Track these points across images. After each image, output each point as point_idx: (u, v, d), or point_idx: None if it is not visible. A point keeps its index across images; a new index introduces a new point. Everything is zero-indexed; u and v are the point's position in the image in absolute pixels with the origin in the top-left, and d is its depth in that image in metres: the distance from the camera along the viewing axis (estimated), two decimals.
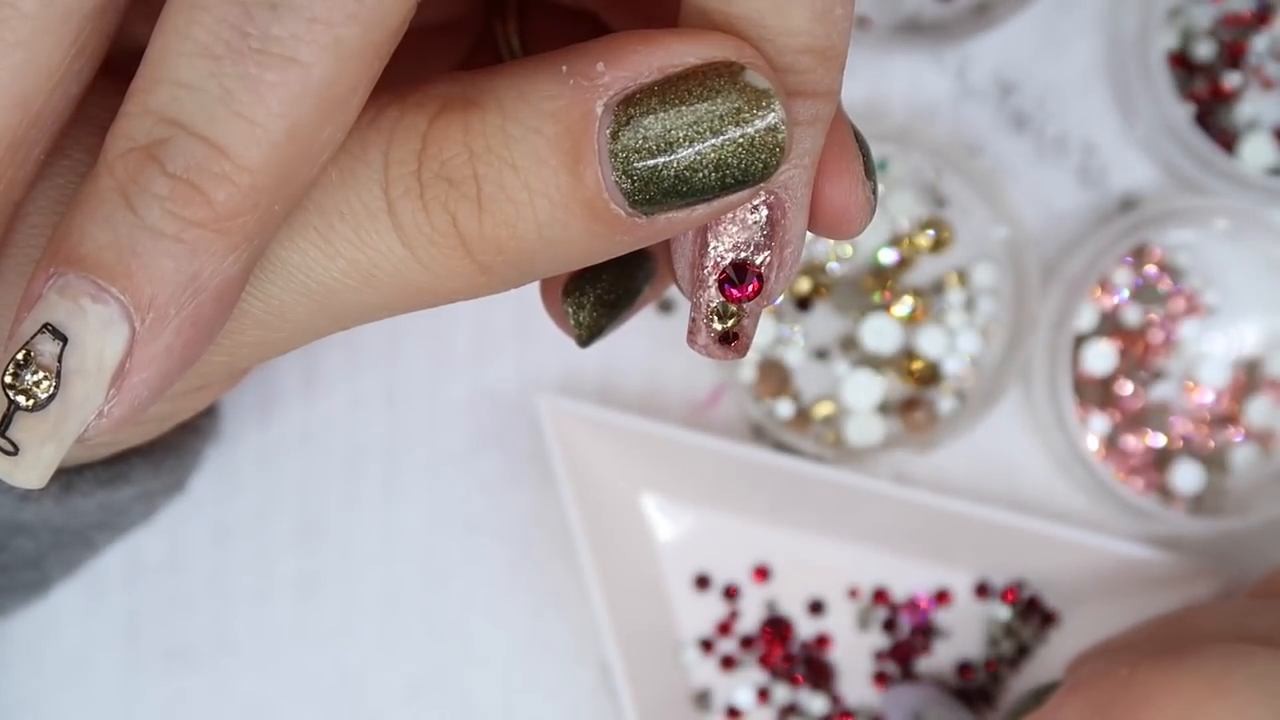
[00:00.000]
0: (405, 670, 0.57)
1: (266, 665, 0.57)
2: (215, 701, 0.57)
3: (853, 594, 0.57)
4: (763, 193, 0.23)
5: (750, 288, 0.24)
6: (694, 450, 0.54)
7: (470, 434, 0.57)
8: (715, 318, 0.24)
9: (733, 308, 0.24)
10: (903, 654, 0.57)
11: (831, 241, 0.56)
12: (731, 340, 0.24)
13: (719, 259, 0.24)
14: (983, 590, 0.57)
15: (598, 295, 0.28)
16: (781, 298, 0.25)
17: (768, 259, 0.23)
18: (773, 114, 0.21)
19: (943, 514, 0.54)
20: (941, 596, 0.57)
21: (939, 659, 0.57)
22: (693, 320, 0.24)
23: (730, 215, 0.23)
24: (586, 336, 0.29)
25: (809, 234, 0.25)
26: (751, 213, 0.23)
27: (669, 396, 0.57)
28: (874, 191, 0.25)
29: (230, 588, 0.57)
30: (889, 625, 0.57)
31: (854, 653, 0.57)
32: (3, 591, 0.49)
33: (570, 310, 0.28)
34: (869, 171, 0.25)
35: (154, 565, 0.57)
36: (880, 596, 0.57)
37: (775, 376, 0.56)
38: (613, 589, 0.53)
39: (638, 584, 0.56)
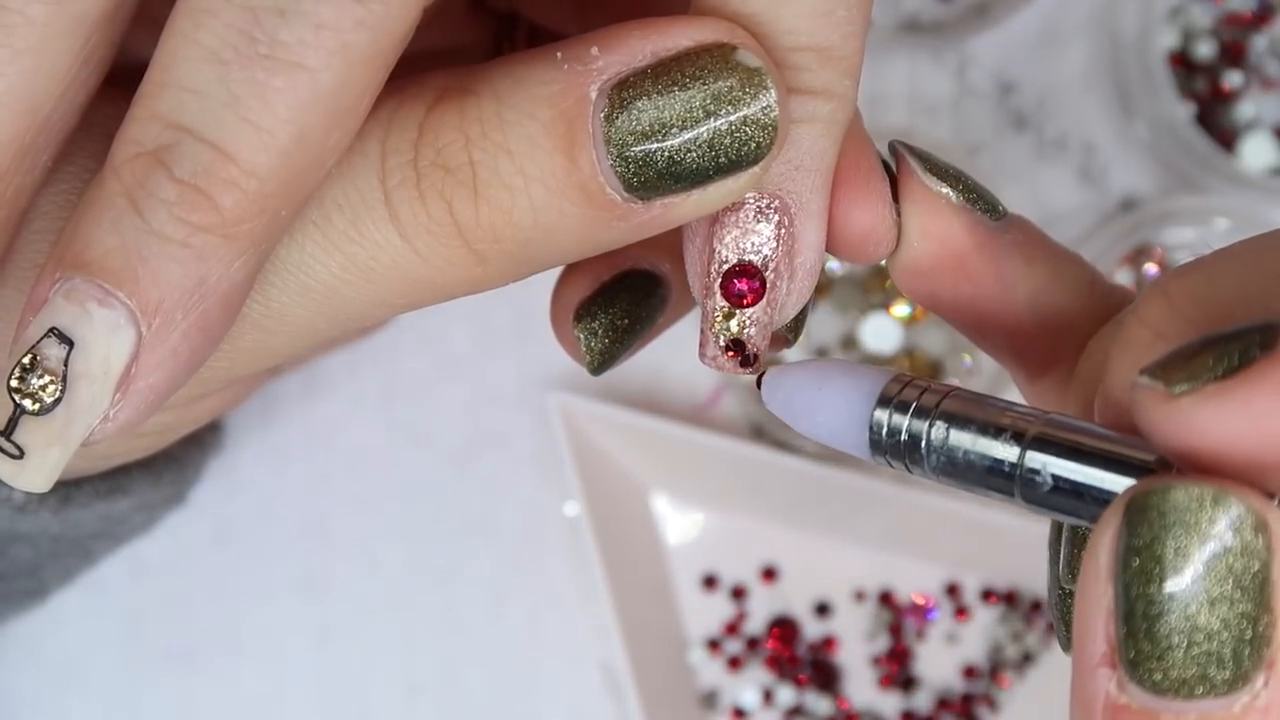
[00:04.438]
0: (405, 670, 0.57)
1: (267, 665, 0.57)
2: (215, 701, 0.57)
3: (859, 596, 0.57)
4: (766, 195, 0.23)
5: (750, 289, 0.23)
6: (704, 450, 0.53)
7: (470, 434, 0.57)
8: (720, 323, 0.24)
9: (737, 313, 0.24)
10: (907, 657, 0.57)
11: None
12: (741, 352, 0.24)
13: (722, 262, 0.23)
14: (989, 595, 0.57)
15: (609, 321, 0.28)
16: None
17: (774, 265, 0.23)
18: (765, 93, 0.21)
19: (951, 517, 0.53)
20: (948, 600, 0.57)
21: (944, 662, 0.57)
22: (702, 332, 0.24)
23: (734, 219, 0.23)
24: (599, 364, 0.28)
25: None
26: (757, 217, 0.23)
27: (670, 396, 0.57)
28: (900, 214, 0.25)
29: (231, 588, 0.57)
30: (894, 628, 0.57)
31: (860, 655, 0.57)
32: (0, 599, 0.49)
33: (582, 337, 0.28)
34: (894, 194, 0.25)
35: (155, 565, 0.57)
36: (886, 599, 0.57)
37: None
38: (621, 588, 0.53)
39: (646, 583, 0.56)
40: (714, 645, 0.57)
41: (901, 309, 0.56)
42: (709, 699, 0.56)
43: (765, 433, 0.57)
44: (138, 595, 0.57)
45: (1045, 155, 0.58)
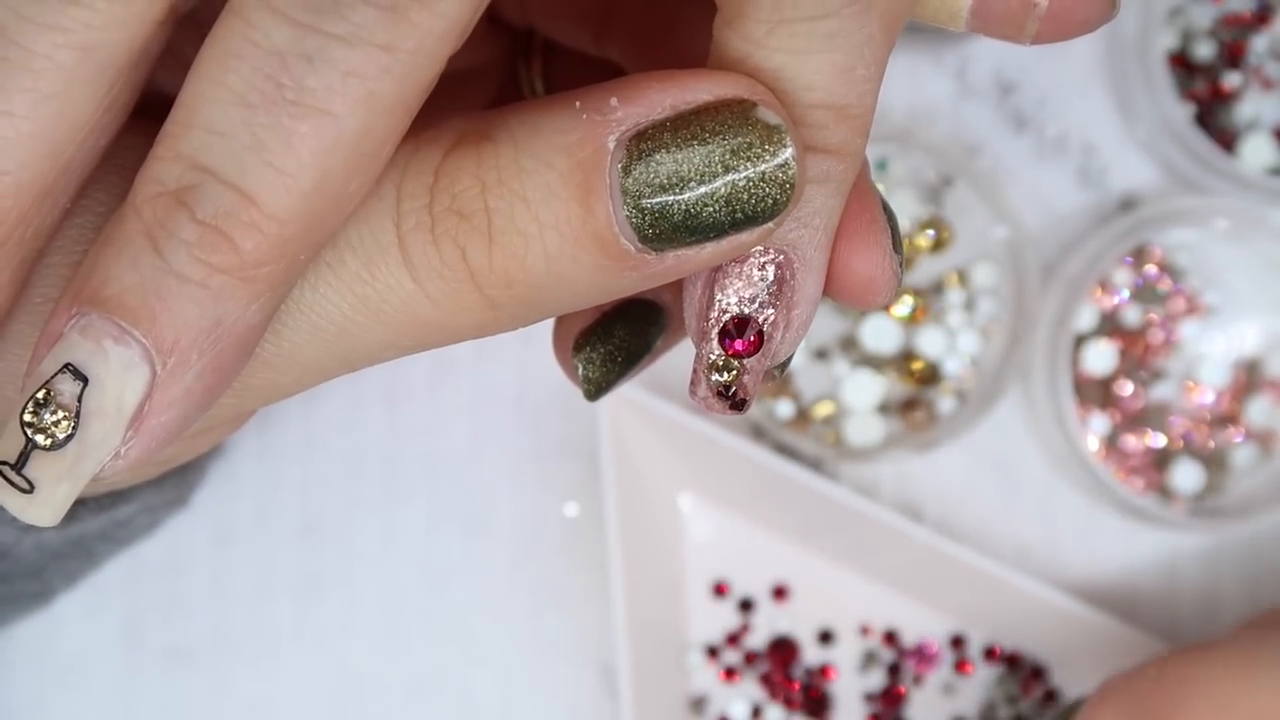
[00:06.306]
0: (405, 670, 0.57)
1: (266, 665, 0.57)
2: (215, 702, 0.57)
3: (864, 631, 0.57)
4: (771, 250, 0.23)
5: (748, 342, 0.24)
6: (737, 457, 0.53)
7: (470, 434, 0.57)
8: (713, 371, 0.24)
9: (732, 362, 0.24)
10: (900, 698, 0.57)
11: None
12: (731, 395, 0.24)
13: (722, 312, 0.24)
14: (992, 652, 0.57)
15: (608, 351, 0.28)
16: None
17: (771, 317, 0.23)
18: (784, 150, 0.21)
19: (969, 569, 0.53)
20: (951, 651, 0.57)
21: (936, 711, 0.57)
22: (694, 372, 0.24)
23: (738, 270, 0.23)
24: (595, 392, 0.28)
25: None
26: (759, 270, 0.23)
27: (669, 397, 0.57)
28: (900, 265, 0.25)
29: (230, 588, 0.57)
30: (893, 669, 0.57)
31: (854, 688, 0.57)
32: (4, 601, 0.49)
33: (580, 365, 0.28)
34: (896, 244, 0.25)
35: (154, 566, 0.57)
36: (891, 638, 0.57)
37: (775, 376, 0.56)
38: (634, 581, 0.53)
39: (657, 580, 0.56)
40: (713, 652, 0.57)
41: (901, 309, 0.56)
42: (698, 704, 0.57)
43: (764, 433, 0.57)
44: (137, 596, 0.57)
45: (1045, 155, 0.58)
